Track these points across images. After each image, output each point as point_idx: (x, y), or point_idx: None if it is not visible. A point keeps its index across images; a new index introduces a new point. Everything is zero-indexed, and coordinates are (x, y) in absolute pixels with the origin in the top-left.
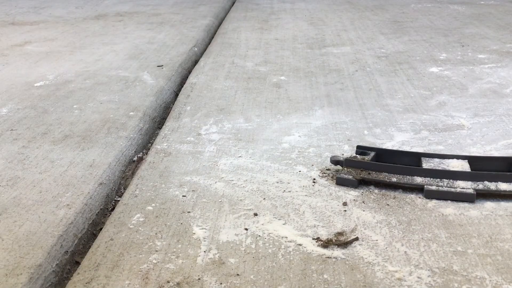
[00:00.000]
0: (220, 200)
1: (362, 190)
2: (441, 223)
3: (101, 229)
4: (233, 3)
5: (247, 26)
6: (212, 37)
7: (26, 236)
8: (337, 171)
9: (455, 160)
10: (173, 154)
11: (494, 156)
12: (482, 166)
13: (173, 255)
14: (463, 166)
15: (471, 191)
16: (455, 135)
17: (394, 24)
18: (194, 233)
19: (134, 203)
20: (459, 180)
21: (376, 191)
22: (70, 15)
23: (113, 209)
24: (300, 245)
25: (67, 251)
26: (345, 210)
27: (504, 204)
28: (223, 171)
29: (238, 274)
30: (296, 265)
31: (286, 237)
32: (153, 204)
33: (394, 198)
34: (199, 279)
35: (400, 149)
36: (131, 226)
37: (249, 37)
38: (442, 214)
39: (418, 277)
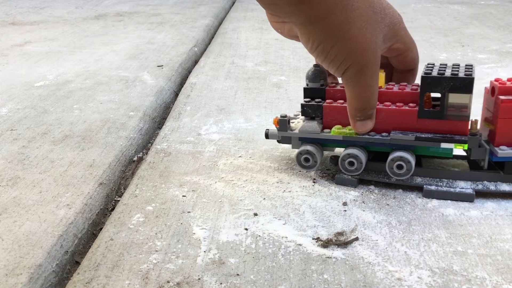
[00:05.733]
0: (220, 200)
1: (362, 190)
2: (441, 223)
3: (101, 229)
4: (233, 3)
5: (247, 26)
6: (212, 37)
7: (26, 236)
8: (337, 171)
9: (455, 159)
10: (173, 154)
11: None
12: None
13: (173, 255)
14: (463, 166)
15: (470, 191)
16: None
17: None
18: (194, 233)
19: (134, 203)
20: (459, 180)
21: (376, 191)
22: (70, 15)
23: (113, 209)
24: (300, 245)
25: (67, 251)
26: (345, 210)
27: (504, 204)
28: (223, 171)
29: (238, 274)
30: (296, 265)
31: (286, 237)
32: (153, 204)
33: (394, 198)
34: (199, 279)
35: None
36: (131, 226)
37: (249, 37)
38: (442, 214)
39: (418, 277)
